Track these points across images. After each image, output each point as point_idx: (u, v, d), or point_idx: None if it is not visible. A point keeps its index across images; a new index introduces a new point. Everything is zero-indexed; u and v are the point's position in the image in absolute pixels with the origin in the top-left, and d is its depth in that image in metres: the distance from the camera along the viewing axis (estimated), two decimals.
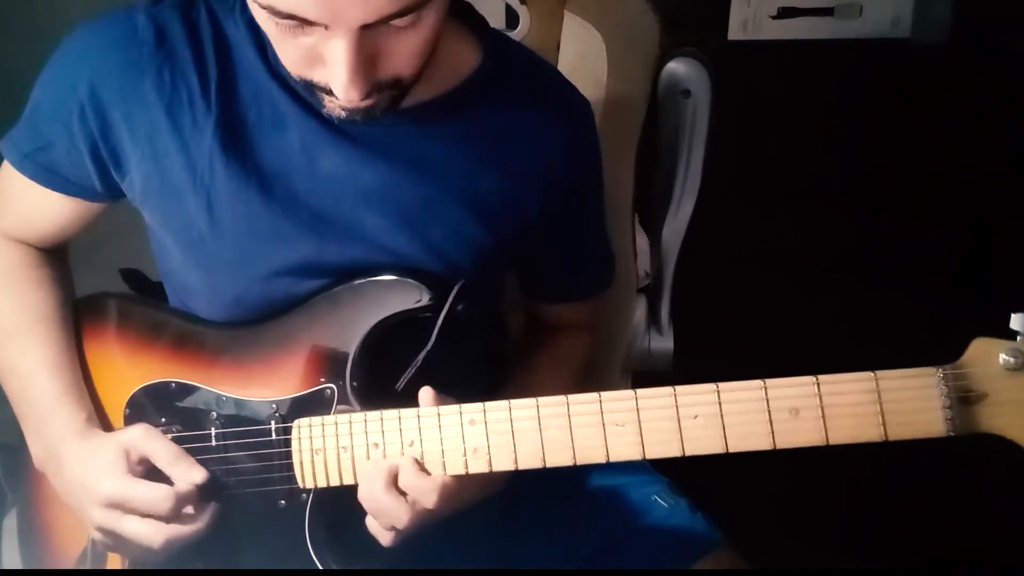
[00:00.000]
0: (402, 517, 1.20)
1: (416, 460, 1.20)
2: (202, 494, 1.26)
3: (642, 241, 2.06)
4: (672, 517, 1.47)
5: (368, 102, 1.12)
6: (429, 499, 1.19)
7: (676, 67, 1.87)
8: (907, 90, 2.69)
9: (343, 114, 1.16)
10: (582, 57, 1.81)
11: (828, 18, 2.71)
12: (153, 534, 1.23)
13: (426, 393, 1.22)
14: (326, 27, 1.02)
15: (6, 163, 1.38)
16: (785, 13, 2.71)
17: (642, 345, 2.09)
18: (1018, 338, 1.04)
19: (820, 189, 2.78)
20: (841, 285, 2.74)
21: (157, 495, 1.22)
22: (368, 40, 1.05)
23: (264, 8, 1.03)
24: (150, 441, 1.26)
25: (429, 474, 1.20)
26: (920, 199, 2.73)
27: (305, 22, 1.02)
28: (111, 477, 1.23)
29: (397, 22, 1.04)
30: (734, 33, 2.75)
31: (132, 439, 1.26)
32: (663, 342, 2.10)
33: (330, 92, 1.11)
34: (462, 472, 1.19)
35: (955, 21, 2.63)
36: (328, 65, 1.07)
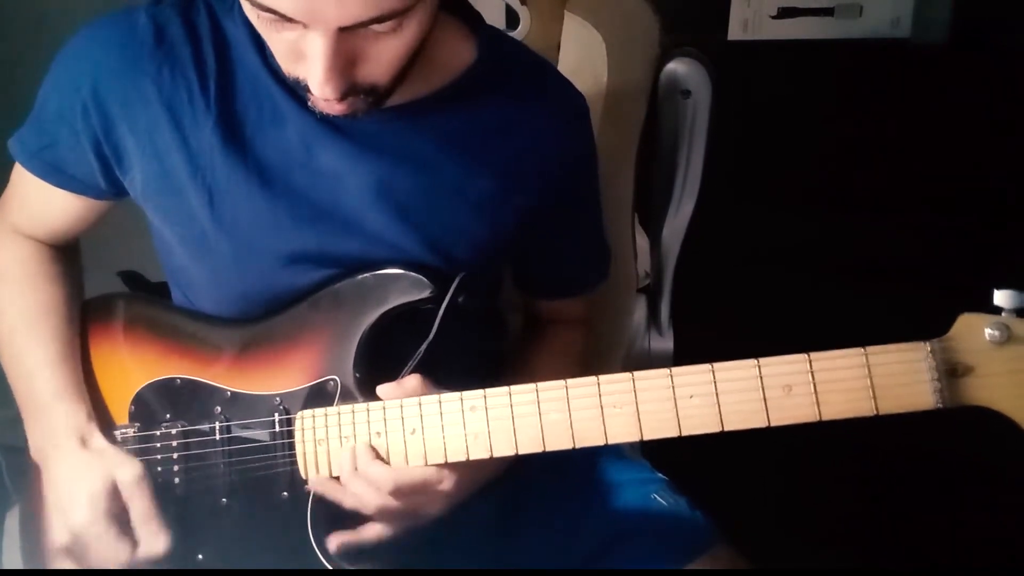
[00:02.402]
0: (369, 502, 1.23)
1: (372, 447, 1.23)
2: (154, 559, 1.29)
3: (642, 241, 2.06)
4: (671, 516, 1.47)
5: (344, 104, 1.13)
6: (385, 487, 1.22)
7: (676, 67, 1.87)
8: (907, 90, 2.69)
9: (323, 111, 1.17)
10: (582, 57, 1.82)
11: (828, 18, 2.72)
12: (100, 566, 1.27)
13: (383, 388, 1.25)
14: (305, 25, 1.03)
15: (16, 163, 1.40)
16: (785, 13, 2.73)
17: (642, 345, 2.09)
18: (1003, 313, 1.05)
19: (820, 189, 2.78)
20: (841, 285, 2.74)
21: (114, 551, 1.26)
22: (347, 42, 1.06)
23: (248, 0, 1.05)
24: (135, 491, 1.28)
25: (385, 462, 1.23)
26: (920, 199, 2.73)
27: (285, 18, 1.03)
28: (88, 510, 1.26)
29: (377, 27, 1.05)
30: (734, 33, 2.76)
31: (124, 481, 1.28)
32: (663, 342, 2.10)
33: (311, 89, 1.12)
34: (463, 458, 1.20)
35: (955, 21, 2.64)
36: (307, 61, 1.08)
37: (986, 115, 2.64)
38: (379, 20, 1.03)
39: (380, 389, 1.25)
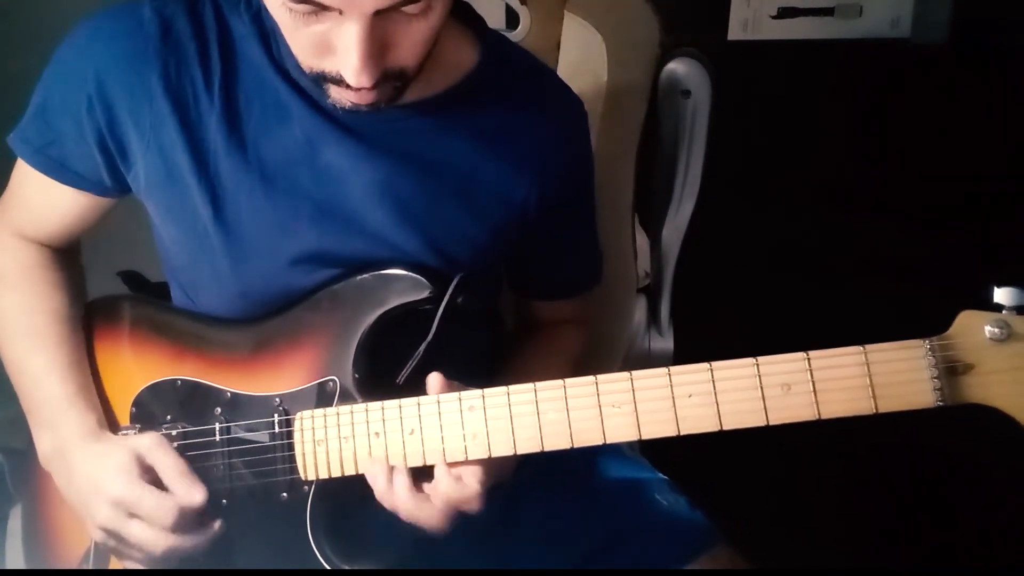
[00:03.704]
0: (433, 519, 1.22)
1: (448, 469, 1.21)
2: (203, 512, 1.27)
3: (642, 241, 2.06)
4: (671, 515, 1.48)
5: (373, 93, 1.14)
6: (472, 506, 1.22)
7: (676, 67, 1.87)
8: (907, 90, 2.69)
9: (348, 104, 1.17)
10: (582, 57, 1.82)
11: (828, 18, 2.72)
12: (154, 541, 1.24)
13: (434, 379, 1.23)
14: (340, 12, 1.04)
15: (18, 161, 1.39)
16: (785, 13, 2.72)
17: (642, 345, 2.09)
18: (1003, 311, 1.05)
19: (820, 189, 2.78)
20: (841, 284, 2.74)
21: (163, 505, 1.24)
22: (379, 27, 1.06)
23: None
24: (160, 453, 1.27)
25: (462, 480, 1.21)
26: (920, 198, 2.73)
27: (321, 7, 1.03)
28: (122, 478, 1.25)
29: (409, 9, 1.06)
30: (734, 33, 2.76)
31: (145, 447, 1.27)
32: (663, 342, 2.10)
33: (338, 82, 1.13)
34: (461, 459, 1.20)
35: (955, 21, 2.64)
36: (339, 52, 1.09)
37: (986, 115, 2.64)
38: (412, 0, 1.04)
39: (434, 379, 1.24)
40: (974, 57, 2.65)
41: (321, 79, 1.15)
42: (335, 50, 1.09)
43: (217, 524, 1.28)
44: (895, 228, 2.74)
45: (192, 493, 1.25)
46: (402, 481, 1.22)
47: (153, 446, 1.27)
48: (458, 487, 1.20)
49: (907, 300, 2.42)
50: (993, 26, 2.64)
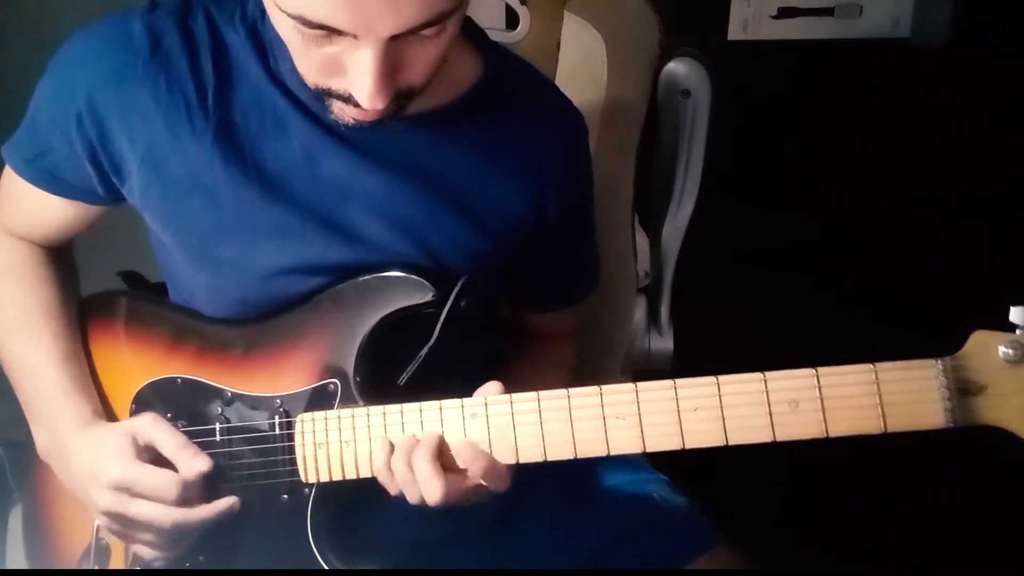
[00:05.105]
0: (435, 493, 1.19)
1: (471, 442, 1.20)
2: (208, 483, 1.27)
3: (642, 241, 2.06)
4: (671, 516, 1.48)
5: (380, 110, 1.13)
6: (503, 484, 1.22)
7: (676, 67, 1.87)
8: (907, 90, 2.69)
9: (351, 121, 1.17)
10: (582, 57, 1.82)
11: (828, 18, 2.71)
12: (161, 516, 1.24)
13: (493, 386, 1.22)
14: (355, 37, 1.03)
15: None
16: (785, 13, 2.71)
17: (642, 345, 2.09)
18: (1017, 331, 1.04)
19: (820, 189, 2.78)
20: (841, 285, 2.74)
21: (164, 480, 1.24)
22: (393, 50, 1.06)
23: (294, 18, 1.03)
24: (156, 429, 1.27)
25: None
26: (919, 199, 2.73)
27: (335, 32, 1.02)
28: (119, 461, 1.25)
29: (424, 32, 1.05)
30: (734, 33, 2.75)
31: (139, 426, 1.28)
32: (663, 342, 2.10)
33: (346, 99, 1.12)
34: (463, 467, 1.20)
35: (955, 21, 2.63)
36: (352, 75, 1.08)
37: (986, 115, 2.64)
38: (430, 24, 1.04)
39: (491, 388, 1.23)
40: (974, 57, 2.65)
41: (326, 95, 1.14)
42: (346, 71, 1.08)
43: (226, 499, 1.28)
44: (893, 228, 2.74)
45: (196, 462, 1.26)
46: (426, 449, 1.20)
47: (148, 424, 1.28)
48: (493, 460, 1.20)
49: (906, 300, 2.43)
50: (993, 26, 2.63)
